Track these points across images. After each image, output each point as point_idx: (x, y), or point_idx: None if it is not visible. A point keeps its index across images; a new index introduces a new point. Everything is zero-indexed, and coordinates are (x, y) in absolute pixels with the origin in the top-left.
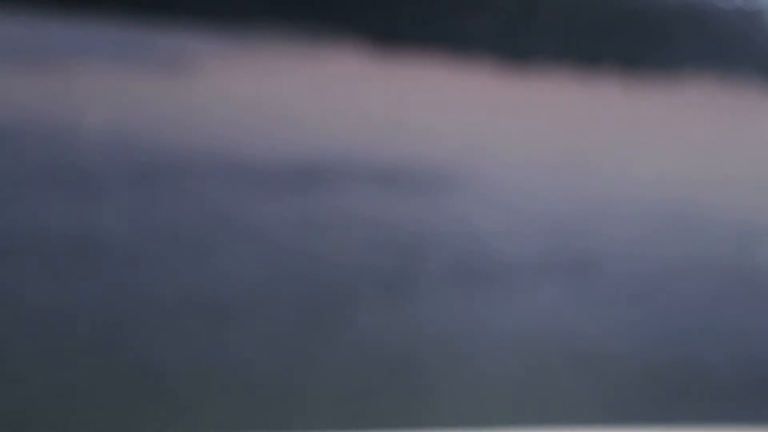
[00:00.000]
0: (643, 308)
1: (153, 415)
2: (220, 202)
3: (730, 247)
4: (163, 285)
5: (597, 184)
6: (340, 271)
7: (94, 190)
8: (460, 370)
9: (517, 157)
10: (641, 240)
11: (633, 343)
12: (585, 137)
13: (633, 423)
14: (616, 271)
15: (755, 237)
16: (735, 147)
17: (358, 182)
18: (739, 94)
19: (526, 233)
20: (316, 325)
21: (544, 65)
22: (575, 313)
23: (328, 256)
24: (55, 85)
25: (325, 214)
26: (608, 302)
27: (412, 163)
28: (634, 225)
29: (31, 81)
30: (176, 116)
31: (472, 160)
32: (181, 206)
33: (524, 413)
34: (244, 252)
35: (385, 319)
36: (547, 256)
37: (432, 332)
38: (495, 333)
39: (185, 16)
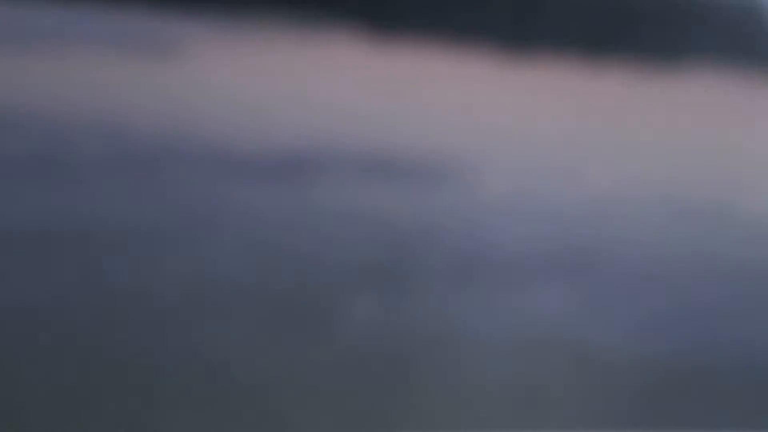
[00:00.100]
0: (643, 308)
1: (130, 415)
2: (206, 192)
3: (737, 245)
4: (140, 277)
5: (598, 178)
6: (329, 267)
7: (73, 178)
8: (456, 370)
9: (517, 149)
10: (644, 233)
11: (633, 343)
12: (587, 128)
13: (634, 425)
14: (616, 270)
15: (762, 234)
16: (741, 140)
17: (353, 172)
18: (746, 85)
19: (525, 229)
20: (303, 321)
21: (545, 55)
22: (575, 313)
23: (321, 250)
24: (39, 70)
25: (317, 205)
26: (608, 298)
27: (409, 154)
28: (635, 219)
29: (13, 65)
30: (164, 103)
31: (471, 151)
32: (165, 195)
33: (523, 414)
34: (229, 244)
35: (376, 318)
36: (547, 250)
37: (424, 332)
38: (492, 332)
39: (177, 0)
